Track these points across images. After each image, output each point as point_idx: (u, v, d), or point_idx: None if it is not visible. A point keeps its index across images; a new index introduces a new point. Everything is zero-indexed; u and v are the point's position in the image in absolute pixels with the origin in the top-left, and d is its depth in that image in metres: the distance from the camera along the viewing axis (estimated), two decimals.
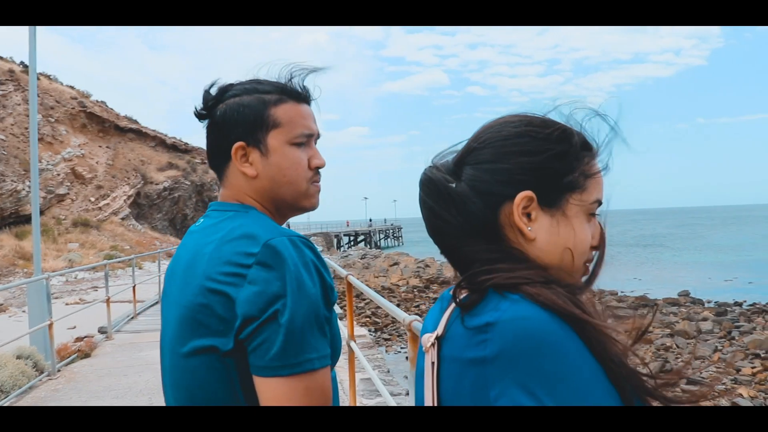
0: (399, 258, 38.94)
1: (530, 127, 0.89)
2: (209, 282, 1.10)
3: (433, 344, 0.85)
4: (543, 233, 0.87)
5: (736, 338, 16.49)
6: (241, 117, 1.23)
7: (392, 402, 3.50)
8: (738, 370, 13.50)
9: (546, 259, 0.87)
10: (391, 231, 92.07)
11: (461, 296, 0.85)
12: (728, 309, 21.20)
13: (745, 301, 23.09)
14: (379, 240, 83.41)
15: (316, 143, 1.30)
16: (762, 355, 14.42)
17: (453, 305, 0.86)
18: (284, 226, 1.25)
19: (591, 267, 0.90)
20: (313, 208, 1.30)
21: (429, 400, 0.85)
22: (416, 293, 26.25)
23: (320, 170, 1.29)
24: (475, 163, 0.89)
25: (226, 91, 1.26)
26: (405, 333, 17.59)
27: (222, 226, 1.18)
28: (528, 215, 0.87)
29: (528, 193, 0.86)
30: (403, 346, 16.27)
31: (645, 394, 0.78)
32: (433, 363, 0.84)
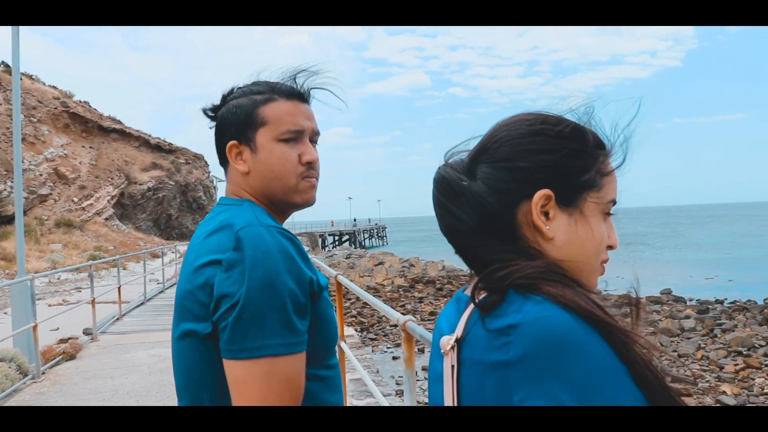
0: (384, 258, 38.87)
1: (546, 125, 0.88)
2: (193, 270, 1.17)
3: (453, 347, 0.84)
4: (561, 232, 0.86)
5: (719, 336, 16.66)
6: (234, 117, 1.30)
7: (385, 402, 3.49)
8: (721, 368, 13.64)
9: (564, 258, 0.86)
10: (376, 231, 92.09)
11: (480, 297, 0.83)
12: (710, 307, 21.39)
13: (726, 299, 23.29)
14: (364, 240, 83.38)
15: (316, 141, 1.34)
16: (744, 353, 14.58)
17: (472, 306, 0.85)
18: None
19: (633, 287, 0.88)
20: (307, 203, 1.33)
21: (449, 404, 0.83)
22: (401, 293, 26.19)
23: (315, 166, 1.31)
24: (491, 161, 0.88)
25: (228, 94, 1.35)
26: (391, 332, 17.34)
27: (216, 219, 1.24)
28: (546, 214, 0.86)
29: (546, 191, 0.85)
30: (389, 345, 16.24)
31: (670, 396, 0.77)
32: (453, 366, 0.83)
